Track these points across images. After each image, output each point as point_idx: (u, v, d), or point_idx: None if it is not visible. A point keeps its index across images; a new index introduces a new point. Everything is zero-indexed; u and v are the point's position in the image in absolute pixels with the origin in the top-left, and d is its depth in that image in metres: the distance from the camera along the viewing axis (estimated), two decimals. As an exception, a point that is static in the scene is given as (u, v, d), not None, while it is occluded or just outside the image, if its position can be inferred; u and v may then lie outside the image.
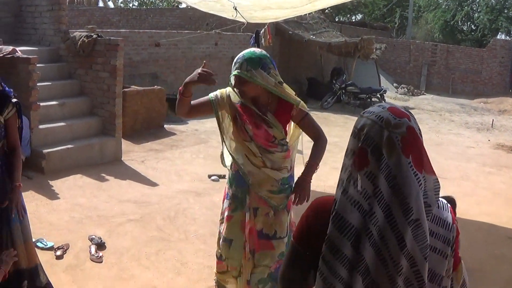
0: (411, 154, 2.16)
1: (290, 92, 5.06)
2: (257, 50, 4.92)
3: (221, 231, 5.31)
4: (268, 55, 4.94)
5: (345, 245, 2.17)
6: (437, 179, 2.28)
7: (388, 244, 2.09)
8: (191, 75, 4.77)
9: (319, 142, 5.17)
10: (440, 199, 2.41)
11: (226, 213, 5.23)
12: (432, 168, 2.29)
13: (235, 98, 5.01)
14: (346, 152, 2.39)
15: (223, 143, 5.19)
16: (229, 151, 5.13)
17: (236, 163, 5.06)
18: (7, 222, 4.77)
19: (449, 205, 2.45)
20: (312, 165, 5.05)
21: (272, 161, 4.99)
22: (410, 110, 2.72)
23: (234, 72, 4.76)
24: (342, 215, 2.25)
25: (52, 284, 5.36)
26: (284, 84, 4.99)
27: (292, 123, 5.24)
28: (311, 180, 5.00)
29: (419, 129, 2.26)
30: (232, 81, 4.87)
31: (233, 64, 4.84)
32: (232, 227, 5.18)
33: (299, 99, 5.10)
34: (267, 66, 4.81)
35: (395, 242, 2.08)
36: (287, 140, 5.15)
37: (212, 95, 5.12)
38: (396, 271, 2.09)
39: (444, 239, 2.26)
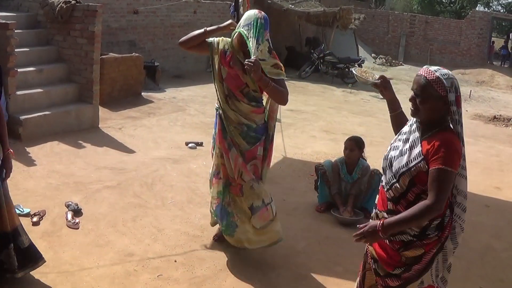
0: None
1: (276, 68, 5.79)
2: (258, 14, 5.70)
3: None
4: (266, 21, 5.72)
5: None
6: None
7: None
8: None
9: (282, 89, 5.75)
10: None
11: (212, 151, 6.32)
12: None
13: (224, 46, 5.89)
14: (450, 100, 3.63)
15: (214, 83, 6.00)
16: (216, 90, 5.97)
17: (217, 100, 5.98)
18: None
19: None
20: (268, 80, 5.58)
21: (238, 108, 5.83)
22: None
23: (239, 30, 5.66)
24: None
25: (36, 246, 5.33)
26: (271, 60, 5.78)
27: None
28: (260, 73, 5.45)
29: None
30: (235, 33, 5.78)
31: (245, 18, 5.67)
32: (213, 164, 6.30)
33: (279, 71, 5.79)
34: (261, 37, 5.66)
35: None
36: (263, 97, 6.06)
37: (211, 39, 5.94)
38: None
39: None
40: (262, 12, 5.72)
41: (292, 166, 10.16)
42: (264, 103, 6.10)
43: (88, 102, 11.26)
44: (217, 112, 6.02)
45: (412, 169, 3.66)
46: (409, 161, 3.70)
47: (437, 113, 3.66)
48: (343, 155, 8.19)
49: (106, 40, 15.87)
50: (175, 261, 6.05)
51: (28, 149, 9.36)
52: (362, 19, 28.95)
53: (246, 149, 5.93)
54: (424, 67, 3.77)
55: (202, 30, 5.94)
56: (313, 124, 14.01)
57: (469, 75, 30.05)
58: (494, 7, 53.92)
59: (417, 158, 3.65)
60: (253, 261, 6.28)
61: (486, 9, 46.77)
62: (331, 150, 11.34)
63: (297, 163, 10.41)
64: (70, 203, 7.18)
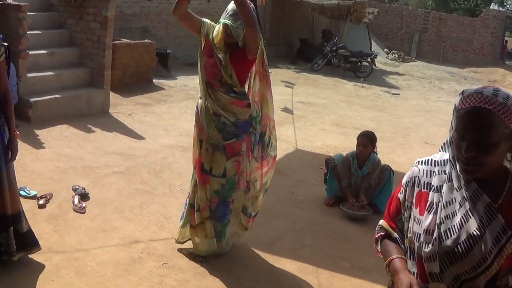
0: None
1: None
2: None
3: None
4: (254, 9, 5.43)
5: None
6: None
7: None
8: None
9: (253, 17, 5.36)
10: None
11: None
12: None
13: (210, 32, 5.54)
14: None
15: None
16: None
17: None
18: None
19: None
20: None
21: (217, 98, 5.55)
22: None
23: (225, 22, 5.32)
24: None
25: (34, 233, 5.29)
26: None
27: (254, 79, 5.79)
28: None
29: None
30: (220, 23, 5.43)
31: (231, 9, 5.32)
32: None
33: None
34: None
35: None
36: (245, 91, 5.74)
37: (205, 20, 5.62)
38: None
39: None
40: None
41: (302, 159, 10.09)
42: (250, 101, 5.73)
43: (99, 87, 11.21)
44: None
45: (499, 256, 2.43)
46: (492, 246, 2.43)
47: (503, 158, 2.50)
48: (354, 149, 8.13)
49: (119, 25, 15.81)
50: (181, 250, 5.99)
51: (37, 132, 9.32)
52: (376, 13, 28.84)
53: (222, 142, 5.58)
54: (471, 91, 2.45)
55: None
56: (324, 117, 13.94)
57: (481, 74, 29.90)
58: (508, 6, 53.76)
59: (502, 237, 2.42)
60: (259, 253, 6.22)
61: (500, 8, 46.61)
62: (342, 144, 11.27)
63: (307, 155, 10.34)
64: (77, 187, 7.14)
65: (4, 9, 9.71)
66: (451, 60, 33.68)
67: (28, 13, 9.84)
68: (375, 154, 8.05)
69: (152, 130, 10.56)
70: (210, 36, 5.47)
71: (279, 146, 8.72)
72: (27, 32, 9.83)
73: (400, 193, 2.81)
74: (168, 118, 11.57)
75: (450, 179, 2.58)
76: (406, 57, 32.71)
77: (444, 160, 2.65)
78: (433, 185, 2.63)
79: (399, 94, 19.96)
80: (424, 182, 2.67)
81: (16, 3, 9.82)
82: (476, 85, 24.56)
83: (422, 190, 2.67)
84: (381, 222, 2.98)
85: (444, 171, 2.62)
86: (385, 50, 33.43)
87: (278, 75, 19.68)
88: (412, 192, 2.72)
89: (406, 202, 2.76)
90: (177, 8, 5.40)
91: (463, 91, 2.50)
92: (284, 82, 18.62)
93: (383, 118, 15.10)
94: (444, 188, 2.58)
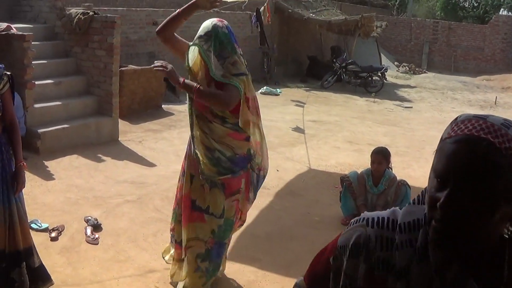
0: None
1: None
2: (219, 24, 4.94)
3: None
4: (230, 30, 5.00)
5: None
6: None
7: None
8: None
9: (220, 93, 4.94)
10: None
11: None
12: None
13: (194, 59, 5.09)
14: None
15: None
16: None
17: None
18: (8, 202, 4.69)
19: None
20: (192, 87, 4.93)
21: (210, 130, 5.08)
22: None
23: (196, 44, 4.91)
24: None
25: (46, 267, 5.25)
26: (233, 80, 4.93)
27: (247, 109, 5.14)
28: (176, 77, 4.99)
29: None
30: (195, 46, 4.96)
31: (201, 30, 4.92)
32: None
33: (237, 81, 4.93)
34: (228, 47, 4.93)
35: None
36: (239, 123, 5.07)
37: (192, 44, 5.02)
38: None
39: None
40: (224, 21, 5.02)
41: (316, 178, 10.04)
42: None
43: (107, 115, 11.23)
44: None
45: None
46: None
47: (501, 229, 1.57)
48: (368, 166, 8.08)
49: (125, 52, 15.85)
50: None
51: (46, 163, 9.32)
52: (384, 26, 28.79)
53: (217, 177, 5.12)
54: (468, 116, 1.60)
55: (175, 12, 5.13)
56: (337, 135, 13.89)
57: (494, 81, 29.76)
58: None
59: None
60: (276, 276, 6.17)
61: (510, 13, 46.39)
62: (356, 161, 11.21)
63: (321, 174, 10.30)
64: (89, 218, 7.12)
65: (8, 39, 9.76)
66: (463, 69, 33.58)
67: (32, 43, 9.88)
68: (390, 170, 8.01)
69: (163, 157, 10.54)
70: (186, 63, 5.07)
71: (292, 166, 8.59)
72: (32, 62, 9.86)
73: (334, 259, 1.83)
74: (179, 144, 11.55)
75: (422, 257, 1.61)
76: (417, 69, 32.63)
77: (413, 222, 1.69)
78: (393, 266, 1.65)
79: (411, 107, 19.90)
80: (378, 258, 1.68)
81: (20, 32, 9.86)
82: (490, 93, 24.60)
83: (375, 273, 1.68)
84: (300, 281, 2.04)
85: (412, 241, 1.65)
86: (395, 63, 33.39)
87: (288, 94, 19.69)
88: (355, 266, 1.73)
89: (344, 276, 1.77)
90: (166, 28, 5.13)
91: (457, 117, 1.66)
92: (294, 101, 18.60)
93: (397, 132, 15.04)
94: (414, 272, 1.60)
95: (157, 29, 5.20)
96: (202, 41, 4.86)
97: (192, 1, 4.98)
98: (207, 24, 4.93)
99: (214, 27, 4.89)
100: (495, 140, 1.46)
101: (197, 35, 4.91)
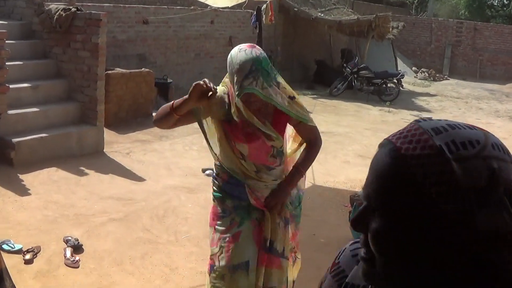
0: None
1: (300, 104, 4.80)
2: (256, 51, 4.50)
3: (221, 262, 4.85)
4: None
5: None
6: None
7: None
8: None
9: (313, 148, 4.92)
10: None
11: (229, 233, 4.86)
12: None
13: (221, 109, 4.67)
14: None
15: (211, 150, 5.01)
16: (217, 158, 4.99)
17: (227, 172, 4.90)
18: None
19: None
20: (299, 172, 4.87)
21: (272, 174, 4.86)
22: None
23: (248, 89, 4.37)
24: None
25: (20, 293, 5.24)
26: (296, 98, 4.78)
27: (290, 131, 5.08)
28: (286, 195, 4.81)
29: None
30: (235, 90, 4.45)
31: (235, 69, 4.42)
32: (245, 245, 4.80)
33: (307, 114, 4.84)
34: (272, 72, 4.62)
35: None
36: (286, 149, 5.02)
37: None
38: None
39: None
40: (256, 46, 4.60)
41: (322, 196, 10.04)
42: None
43: (91, 124, 11.24)
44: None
45: None
46: None
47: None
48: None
49: (112, 53, 15.86)
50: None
51: (21, 176, 9.32)
52: (401, 27, 28.82)
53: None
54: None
55: (169, 107, 4.61)
56: (347, 148, 13.91)
57: (526, 90, 29.80)
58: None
59: None
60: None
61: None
62: (368, 177, 11.19)
63: (328, 192, 10.29)
64: (69, 238, 7.12)
65: (-22, 37, 9.76)
66: (490, 76, 33.52)
67: (6, 42, 9.86)
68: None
69: (153, 170, 10.56)
70: (230, 116, 4.63)
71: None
72: (7, 63, 9.85)
73: (336, 274, 1.88)
74: (171, 156, 11.58)
75: None
76: (437, 75, 32.66)
77: None
78: None
79: (431, 117, 19.87)
80: None
81: (-8, 30, 9.87)
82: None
83: None
84: None
85: None
86: (413, 68, 33.43)
87: (293, 102, 19.68)
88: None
89: None
90: (164, 123, 4.80)
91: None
92: (300, 109, 18.57)
93: (415, 146, 15.00)
94: None
95: (153, 120, 4.91)
96: (250, 81, 4.38)
97: (183, 98, 4.50)
98: (242, 57, 4.42)
99: (255, 59, 4.42)
100: (401, 145, 1.33)
101: (237, 76, 4.39)
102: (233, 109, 4.59)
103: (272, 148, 4.72)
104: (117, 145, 11.96)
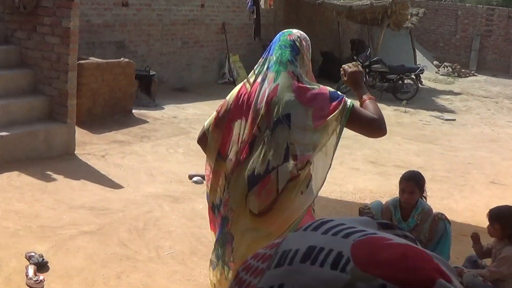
0: None
1: None
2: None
3: None
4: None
5: None
6: None
7: None
8: None
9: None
10: None
11: None
12: None
13: None
14: None
15: None
16: None
17: None
18: None
19: None
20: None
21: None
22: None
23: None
24: None
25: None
26: None
27: None
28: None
29: None
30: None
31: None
32: None
33: None
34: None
35: None
36: None
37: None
38: None
39: None
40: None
41: (328, 208, 10.02)
42: None
43: (60, 121, 11.22)
44: None
45: None
46: None
47: None
48: (395, 194, 8.05)
49: (86, 39, 15.88)
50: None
51: (-23, 182, 9.33)
52: (422, 15, 28.86)
53: None
54: None
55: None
56: (356, 153, 13.92)
57: None
58: None
59: None
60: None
61: None
62: (379, 187, 11.23)
63: (334, 203, 10.30)
64: (32, 254, 7.10)
65: None
66: (525, 73, 33.51)
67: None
68: (424, 200, 7.97)
69: (132, 176, 10.57)
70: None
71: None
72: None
73: None
74: (152, 160, 11.58)
75: None
76: (462, 70, 32.66)
77: None
78: None
79: (454, 119, 19.97)
80: None
81: None
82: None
83: None
84: None
85: None
86: (435, 62, 33.45)
87: (295, 99, 19.70)
88: None
89: None
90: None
91: None
92: (303, 108, 18.60)
93: (434, 152, 15.08)
94: None
95: (198, 138, 5.50)
96: (294, 65, 4.92)
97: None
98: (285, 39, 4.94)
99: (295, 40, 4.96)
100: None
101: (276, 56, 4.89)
102: None
103: None
104: (91, 146, 11.96)
